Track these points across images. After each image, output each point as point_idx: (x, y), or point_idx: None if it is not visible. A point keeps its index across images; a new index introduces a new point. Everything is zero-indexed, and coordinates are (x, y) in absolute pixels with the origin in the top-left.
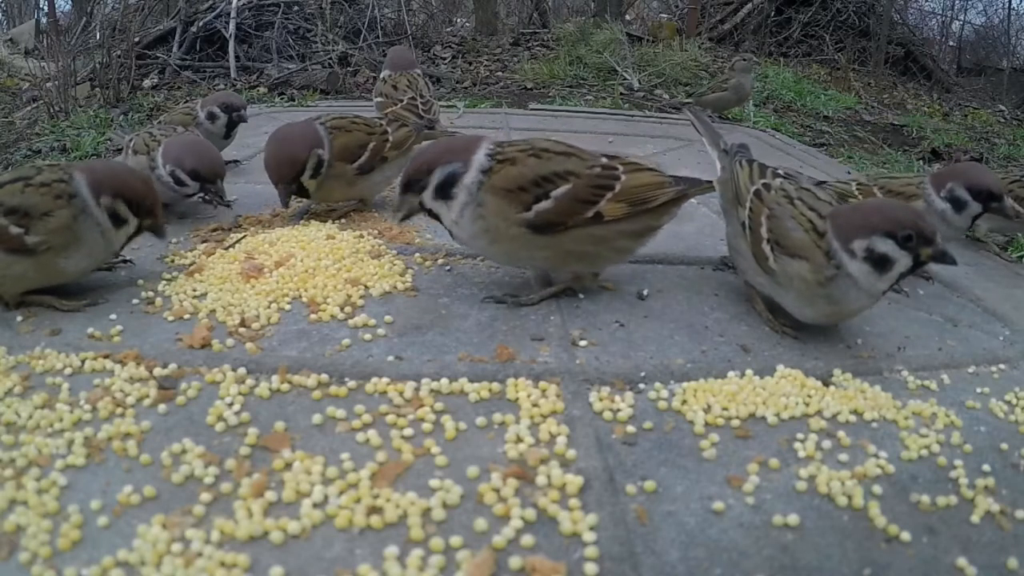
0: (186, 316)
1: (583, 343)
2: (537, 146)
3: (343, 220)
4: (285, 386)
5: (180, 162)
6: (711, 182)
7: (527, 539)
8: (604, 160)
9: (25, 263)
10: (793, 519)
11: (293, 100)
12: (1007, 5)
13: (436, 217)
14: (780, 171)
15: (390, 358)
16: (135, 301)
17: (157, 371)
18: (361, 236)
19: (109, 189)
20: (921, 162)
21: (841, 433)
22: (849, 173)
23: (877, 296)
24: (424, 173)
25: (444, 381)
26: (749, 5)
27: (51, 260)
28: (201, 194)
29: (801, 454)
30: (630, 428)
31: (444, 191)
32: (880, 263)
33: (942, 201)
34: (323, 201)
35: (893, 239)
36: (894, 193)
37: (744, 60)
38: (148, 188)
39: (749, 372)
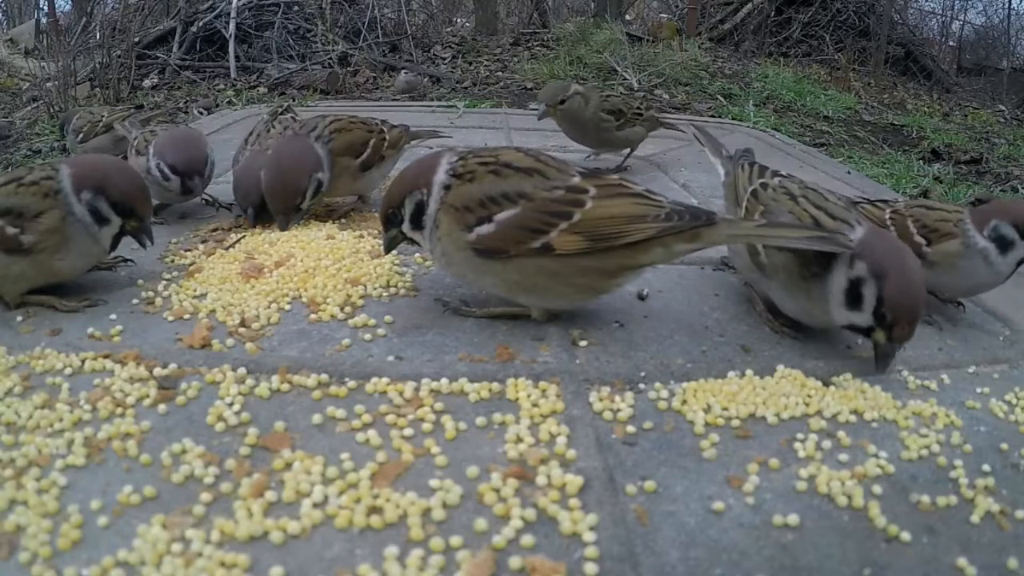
0: (186, 316)
1: (583, 343)
2: (501, 159)
3: (343, 220)
4: (285, 386)
5: (163, 156)
6: (713, 214)
7: (527, 539)
8: (576, 180)
9: (23, 263)
10: (793, 519)
11: (293, 100)
12: (1007, 5)
13: (416, 243)
14: (781, 172)
15: (390, 358)
16: (135, 301)
17: (157, 371)
18: (361, 236)
19: (90, 184)
20: (921, 162)
21: (841, 433)
22: (892, 200)
23: (839, 325)
24: (398, 205)
25: (444, 381)
26: (749, 5)
27: (47, 260)
28: (200, 197)
29: (801, 454)
30: (630, 428)
31: (417, 220)
32: (854, 299)
33: (985, 240)
34: (327, 197)
35: (879, 299)
36: (928, 228)
37: (575, 93)
38: (134, 186)
39: (749, 372)
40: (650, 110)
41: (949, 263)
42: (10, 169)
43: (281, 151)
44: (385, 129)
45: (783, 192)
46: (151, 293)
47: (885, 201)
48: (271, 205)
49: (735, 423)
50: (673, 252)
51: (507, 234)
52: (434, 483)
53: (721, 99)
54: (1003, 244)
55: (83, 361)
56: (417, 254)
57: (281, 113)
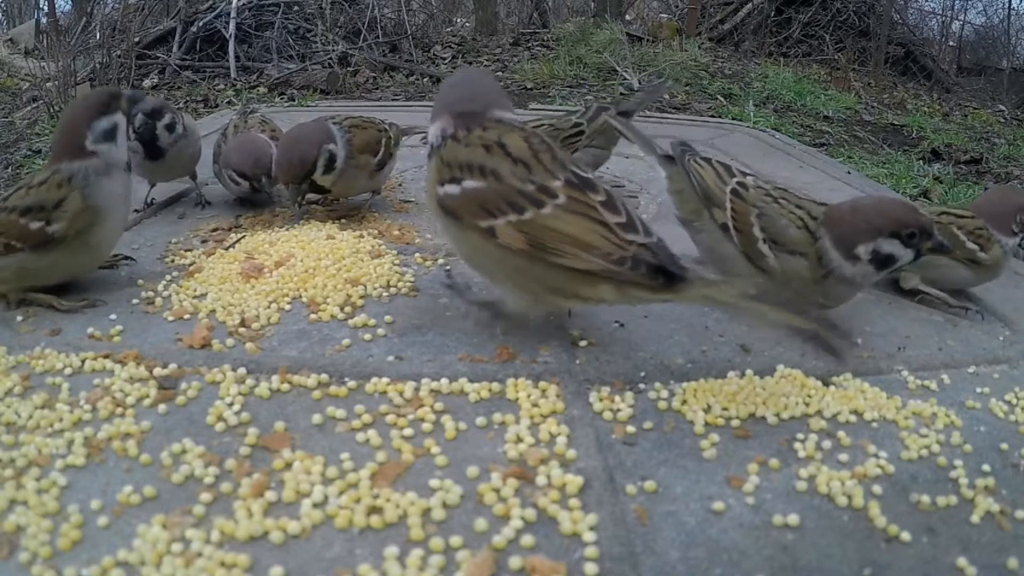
0: (186, 316)
1: (583, 343)
2: (502, 139)
3: (343, 220)
4: (285, 386)
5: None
6: (677, 277)
7: (527, 539)
8: (555, 183)
9: (55, 254)
10: (793, 519)
11: (293, 100)
12: (1007, 5)
13: None
14: (745, 170)
15: (390, 358)
16: (135, 301)
17: (157, 371)
18: (361, 236)
19: (85, 127)
20: (921, 162)
21: (841, 433)
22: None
23: (866, 288)
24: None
25: (444, 381)
26: (749, 5)
27: (84, 241)
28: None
29: (801, 454)
30: (630, 428)
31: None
32: (884, 262)
33: (1012, 237)
34: (343, 195)
35: (898, 238)
36: (975, 235)
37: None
38: (96, 93)
39: (749, 372)
40: (597, 120)
41: (996, 263)
42: (10, 169)
43: (296, 127)
44: (388, 127)
45: (763, 193)
46: (151, 293)
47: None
48: (280, 175)
49: (735, 423)
50: (630, 297)
51: (464, 204)
52: (434, 483)
53: (721, 99)
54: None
55: (83, 361)
56: (417, 254)
57: (250, 113)
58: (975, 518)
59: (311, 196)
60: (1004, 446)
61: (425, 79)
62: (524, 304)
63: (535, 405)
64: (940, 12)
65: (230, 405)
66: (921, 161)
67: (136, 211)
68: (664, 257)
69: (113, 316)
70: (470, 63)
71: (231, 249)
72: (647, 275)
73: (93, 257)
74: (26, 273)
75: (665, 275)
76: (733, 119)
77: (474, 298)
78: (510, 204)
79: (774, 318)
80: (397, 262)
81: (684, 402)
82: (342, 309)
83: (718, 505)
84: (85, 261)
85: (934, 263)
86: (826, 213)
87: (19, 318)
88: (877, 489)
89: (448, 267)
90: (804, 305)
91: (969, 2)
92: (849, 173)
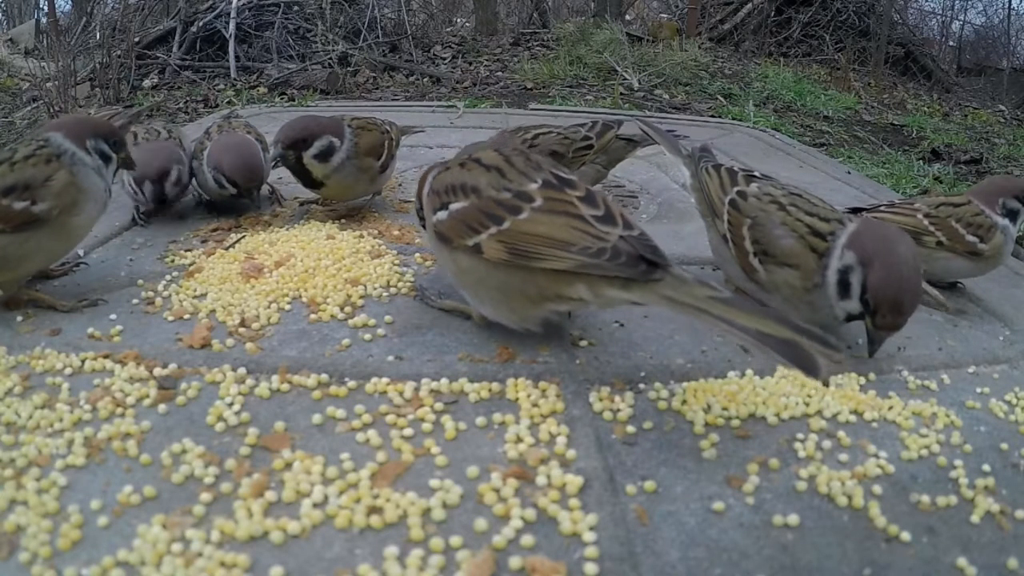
0: (186, 316)
1: (583, 343)
2: (474, 156)
3: (343, 220)
4: (285, 386)
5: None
6: (658, 270)
7: (527, 539)
8: (531, 186)
9: (39, 235)
10: (793, 519)
11: (293, 100)
12: (1007, 5)
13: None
14: (756, 173)
15: (390, 358)
16: (135, 301)
17: (157, 371)
18: (361, 236)
19: (90, 133)
20: (921, 162)
21: (841, 433)
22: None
23: (840, 319)
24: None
25: (444, 381)
26: (749, 5)
27: (65, 222)
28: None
29: (801, 454)
30: (630, 428)
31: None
32: (843, 288)
33: (1001, 218)
34: (342, 198)
35: (863, 286)
36: (974, 226)
37: None
38: (113, 125)
39: (749, 372)
40: (604, 136)
41: (997, 253)
42: None
43: (315, 116)
44: (389, 128)
45: (768, 200)
46: (151, 293)
47: (910, 205)
48: (279, 134)
49: (735, 423)
50: (602, 296)
51: (453, 225)
52: (434, 483)
53: (721, 99)
54: (1013, 216)
55: (83, 361)
56: (417, 254)
57: (233, 118)
58: (975, 518)
59: (310, 196)
60: (1004, 446)
61: (425, 79)
62: (506, 322)
63: (535, 405)
64: (940, 12)
65: (230, 405)
66: (921, 161)
67: (134, 221)
68: (644, 248)
69: (113, 316)
70: (470, 63)
71: (231, 249)
72: (627, 265)
73: (70, 243)
74: (6, 262)
75: (646, 263)
76: (733, 119)
77: (442, 304)
78: (490, 217)
79: (745, 325)
80: (397, 262)
81: (684, 402)
82: (342, 309)
83: (718, 505)
84: (62, 247)
85: (932, 256)
86: (863, 222)
87: (19, 318)
88: (877, 489)
89: (416, 295)
90: (784, 313)
91: (969, 2)
92: (849, 173)
